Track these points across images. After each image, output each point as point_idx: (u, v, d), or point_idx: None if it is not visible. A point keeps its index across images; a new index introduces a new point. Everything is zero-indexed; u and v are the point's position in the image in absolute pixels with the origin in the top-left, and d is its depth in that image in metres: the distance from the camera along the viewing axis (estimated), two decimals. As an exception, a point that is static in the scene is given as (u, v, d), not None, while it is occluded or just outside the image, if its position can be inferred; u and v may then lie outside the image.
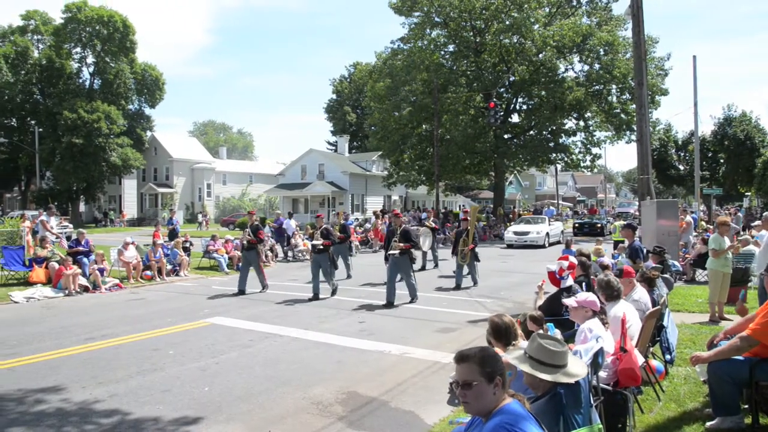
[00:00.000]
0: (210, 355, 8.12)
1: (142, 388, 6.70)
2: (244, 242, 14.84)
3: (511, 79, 38.57)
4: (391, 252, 12.52)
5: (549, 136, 39.38)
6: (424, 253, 18.57)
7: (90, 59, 55.87)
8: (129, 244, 16.57)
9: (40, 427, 5.58)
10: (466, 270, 15.05)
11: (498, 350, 5.40)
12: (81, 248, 15.81)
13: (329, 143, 72.73)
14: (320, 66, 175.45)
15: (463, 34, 39.00)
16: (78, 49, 55.05)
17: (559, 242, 28.49)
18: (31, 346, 8.73)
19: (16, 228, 17.80)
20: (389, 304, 12.05)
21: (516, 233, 28.39)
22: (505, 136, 40.41)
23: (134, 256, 16.44)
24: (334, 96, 73.64)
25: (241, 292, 13.82)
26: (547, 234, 28.51)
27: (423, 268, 18.30)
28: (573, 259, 8.01)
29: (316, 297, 12.92)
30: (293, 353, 8.35)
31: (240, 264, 15.38)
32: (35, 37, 57.00)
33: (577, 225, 36.24)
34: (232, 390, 6.62)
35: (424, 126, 40.90)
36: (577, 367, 3.28)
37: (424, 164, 40.87)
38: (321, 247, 13.22)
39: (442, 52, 40.86)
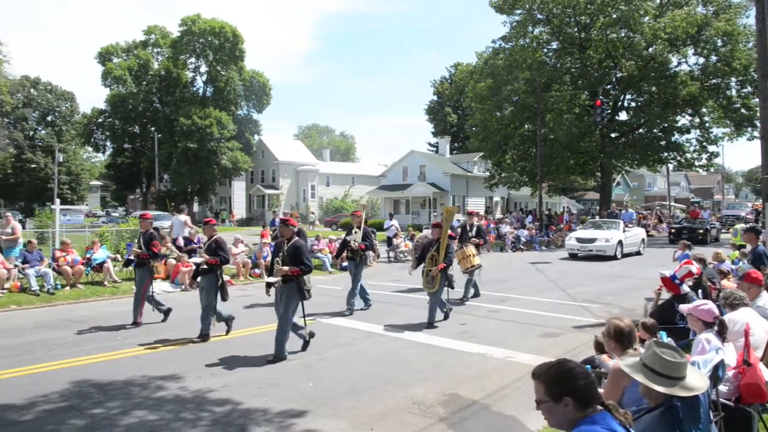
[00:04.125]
0: (314, 352, 8.38)
1: (252, 381, 7.03)
2: (131, 257, 11.80)
3: (618, 75, 36.97)
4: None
5: (660, 134, 37.37)
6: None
7: (203, 68, 59.21)
8: (239, 242, 17.40)
9: (160, 411, 5.99)
10: (476, 275, 12.98)
11: (605, 357, 5.25)
12: (194, 246, 16.76)
13: (430, 145, 72.83)
14: (421, 68, 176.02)
15: (567, 31, 37.85)
16: (192, 60, 58.53)
17: (638, 253, 24.09)
18: (151, 338, 9.36)
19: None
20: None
21: (579, 240, 23.32)
22: (612, 135, 38.78)
23: (244, 254, 17.24)
24: (435, 97, 73.69)
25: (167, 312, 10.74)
26: (620, 242, 22.87)
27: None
28: (693, 268, 7.54)
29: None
30: (394, 353, 8.46)
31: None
32: (155, 49, 61.02)
33: (673, 230, 30.95)
34: (335, 386, 6.81)
35: (526, 126, 40.04)
36: (696, 380, 3.03)
37: (526, 165, 40.01)
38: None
39: (545, 50, 39.82)
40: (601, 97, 31.90)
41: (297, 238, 8.40)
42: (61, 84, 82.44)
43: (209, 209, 62.26)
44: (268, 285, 8.45)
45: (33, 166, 68.45)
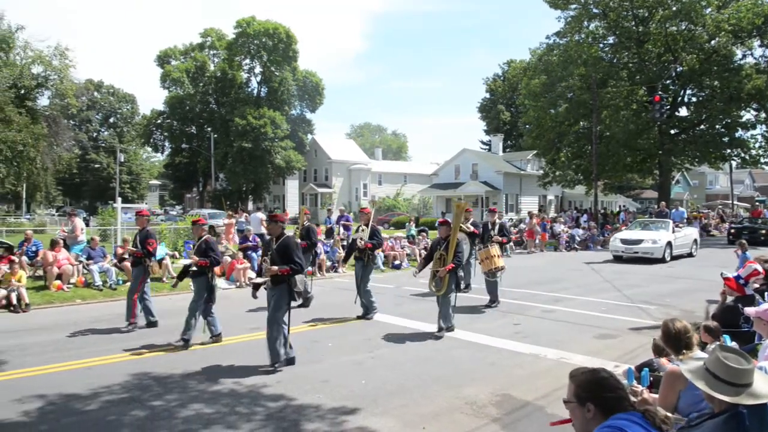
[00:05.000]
0: (366, 350, 8.42)
1: (304, 377, 7.12)
2: (126, 255, 11.93)
3: (678, 69, 35.79)
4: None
5: (722, 130, 36.00)
6: (466, 269, 13.89)
7: (257, 69, 60.37)
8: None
9: (216, 405, 6.14)
10: (498, 277, 12.02)
11: (663, 361, 5.10)
12: (250, 244, 17.09)
13: (483, 143, 72.27)
14: (473, 66, 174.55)
15: (624, 25, 36.86)
16: (247, 61, 59.76)
17: (690, 255, 22.42)
18: (206, 334, 9.57)
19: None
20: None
21: (624, 241, 21.59)
22: (672, 132, 37.57)
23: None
24: (488, 95, 73.03)
25: (153, 323, 10.17)
26: (669, 244, 21.02)
27: (467, 286, 13.78)
28: (758, 266, 7.26)
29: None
30: (445, 352, 8.42)
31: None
32: (211, 52, 62.54)
33: (733, 230, 28.43)
34: (386, 384, 6.83)
35: (581, 123, 39.24)
36: (765, 387, 2.80)
37: (581, 163, 39.23)
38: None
39: (601, 45, 38.92)
40: (659, 92, 30.86)
41: (287, 235, 7.87)
42: (123, 87, 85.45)
43: (263, 207, 63.38)
44: (255, 287, 8.02)
45: (96, 166, 71.24)
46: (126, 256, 11.71)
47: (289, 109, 60.42)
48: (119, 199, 20.42)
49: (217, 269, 9.93)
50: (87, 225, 15.39)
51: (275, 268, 7.43)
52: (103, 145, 74.05)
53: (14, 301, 11.72)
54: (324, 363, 7.80)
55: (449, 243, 9.52)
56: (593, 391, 2.62)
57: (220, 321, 9.08)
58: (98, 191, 71.09)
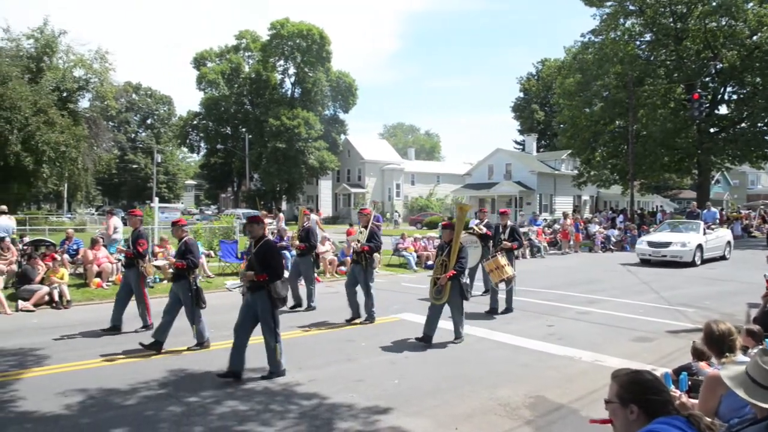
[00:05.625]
0: (399, 350, 8.43)
1: (338, 376, 7.16)
2: (120, 256, 11.96)
3: (718, 66, 34.93)
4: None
5: (765, 128, 35.07)
6: (472, 273, 12.75)
7: (291, 70, 60.92)
8: (326, 240, 17.77)
9: (250, 402, 6.22)
10: (503, 287, 11.41)
11: (703, 365, 5.00)
12: (282, 243, 17.23)
13: (516, 142, 71.68)
14: (507, 65, 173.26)
15: (662, 21, 36.16)
16: (281, 62, 60.38)
17: (722, 257, 21.34)
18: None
19: (230, 224, 19.87)
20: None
21: (651, 244, 20.55)
22: (711, 130, 36.73)
23: (330, 252, 17.59)
24: (522, 94, 72.43)
25: (114, 328, 9.62)
26: (699, 247, 19.81)
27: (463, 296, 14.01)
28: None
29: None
30: (479, 353, 8.39)
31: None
32: (246, 53, 63.37)
33: None
34: (420, 385, 6.82)
35: (617, 122, 38.65)
36: None
37: (617, 162, 38.63)
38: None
39: (638, 42, 38.26)
40: (698, 90, 30.25)
41: (268, 238, 7.53)
42: (160, 89, 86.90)
43: (297, 207, 63.87)
44: (243, 294, 7.49)
45: (134, 166, 72.78)
46: (120, 257, 11.76)
47: (323, 110, 60.83)
48: (156, 199, 20.84)
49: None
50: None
51: (251, 273, 7.03)
52: (141, 145, 75.62)
53: (56, 298, 12.04)
54: (357, 362, 7.84)
55: (451, 248, 8.85)
56: (637, 392, 2.57)
57: (208, 326, 8.71)
58: (136, 191, 72.64)
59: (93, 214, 47.86)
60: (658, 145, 34.86)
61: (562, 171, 50.27)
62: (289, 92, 61.82)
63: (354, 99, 62.95)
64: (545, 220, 34.76)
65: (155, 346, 8.24)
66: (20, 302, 11.65)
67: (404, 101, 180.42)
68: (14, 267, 12.92)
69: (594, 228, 27.69)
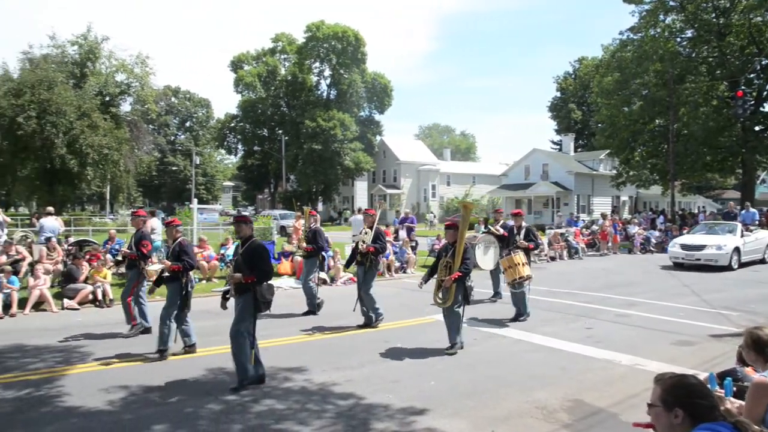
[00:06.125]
0: (435, 351, 8.41)
1: (374, 377, 7.19)
2: (120, 258, 12.00)
3: (763, 62, 33.96)
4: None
5: (814, 125, 34.02)
6: (495, 276, 13.10)
7: (327, 72, 61.37)
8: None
9: (287, 401, 6.28)
10: (527, 286, 10.74)
11: (749, 370, 4.87)
12: (320, 244, 17.36)
13: (553, 142, 70.92)
14: (543, 64, 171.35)
15: (704, 17, 35.26)
16: (317, 64, 60.85)
17: (762, 261, 20.06)
18: (279, 330, 9.82)
19: (268, 225, 20.10)
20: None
21: (684, 247, 19.44)
22: (756, 128, 35.68)
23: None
24: (558, 94, 71.56)
25: (134, 327, 9.63)
26: (737, 250, 18.72)
27: (496, 294, 13.21)
28: None
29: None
30: (516, 355, 8.32)
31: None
32: (282, 56, 64.06)
33: None
34: (456, 386, 6.80)
35: (657, 121, 37.85)
36: None
37: (657, 162, 37.83)
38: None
39: (678, 39, 37.38)
40: (742, 87, 29.37)
41: (255, 238, 7.19)
42: (198, 92, 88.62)
43: (333, 208, 64.31)
44: (224, 296, 7.30)
45: (174, 168, 74.16)
46: (120, 258, 11.82)
47: (358, 111, 61.07)
48: (195, 200, 21.20)
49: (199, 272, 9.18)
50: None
51: (238, 275, 6.80)
52: (180, 148, 77.01)
53: (99, 297, 12.36)
54: (393, 363, 7.85)
55: (456, 249, 8.41)
56: (682, 396, 2.52)
57: (195, 331, 8.47)
58: (175, 192, 74.02)
59: (134, 215, 48.86)
60: (700, 144, 34.03)
61: (600, 171, 49.49)
62: (324, 94, 62.27)
63: (389, 100, 63.03)
64: (583, 221, 34.29)
65: (189, 349, 8.23)
66: (65, 300, 12.01)
67: (440, 102, 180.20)
68: (60, 267, 13.30)
69: (633, 229, 27.19)
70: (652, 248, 25.54)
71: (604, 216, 27.63)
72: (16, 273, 12.36)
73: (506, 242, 11.50)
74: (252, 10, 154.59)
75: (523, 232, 11.35)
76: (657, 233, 27.23)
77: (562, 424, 5.66)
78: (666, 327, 10.08)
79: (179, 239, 8.53)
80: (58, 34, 41.62)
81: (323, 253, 12.50)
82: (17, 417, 5.82)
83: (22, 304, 11.50)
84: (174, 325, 8.15)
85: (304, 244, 11.71)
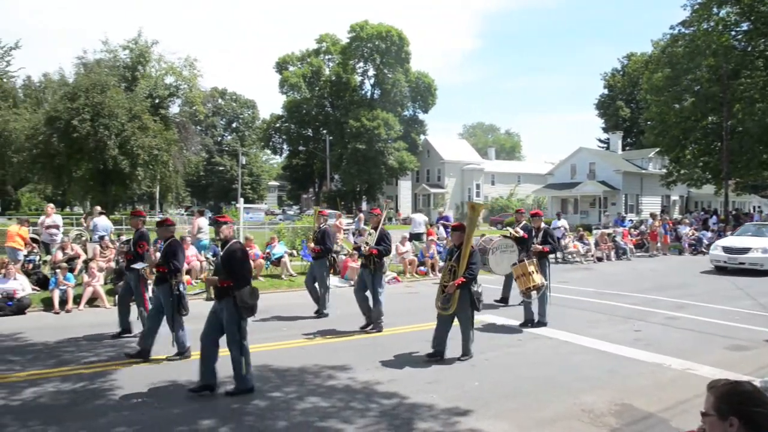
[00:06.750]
0: (479, 351, 8.34)
1: (418, 376, 7.17)
2: (119, 258, 11.87)
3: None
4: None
5: None
6: (507, 281, 12.43)
7: (371, 72, 61.61)
8: (406, 240, 17.86)
9: (331, 399, 6.33)
10: (535, 295, 10.11)
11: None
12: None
13: (600, 141, 69.53)
14: (589, 61, 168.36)
15: (761, 9, 33.95)
16: (361, 64, 61.20)
17: None
18: (321, 329, 9.89)
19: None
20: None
21: (727, 250, 18.19)
22: (817, 125, 34.31)
23: (410, 252, 17.66)
24: (606, 91, 70.05)
25: (125, 330, 9.41)
26: None
27: (504, 300, 12.47)
28: None
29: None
30: (563, 357, 8.19)
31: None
32: (326, 56, 64.59)
33: None
34: (500, 387, 6.74)
35: (710, 118, 36.71)
36: None
37: (709, 161, 36.70)
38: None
39: (733, 33, 36.12)
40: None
41: (235, 241, 6.81)
42: (244, 93, 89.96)
43: (421, 209, 64.59)
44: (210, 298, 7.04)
45: (220, 168, 75.53)
46: (119, 258, 11.70)
47: (402, 111, 61.12)
48: (241, 200, 21.58)
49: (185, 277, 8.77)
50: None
51: (215, 278, 6.63)
52: (227, 148, 78.38)
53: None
54: (437, 363, 7.80)
55: (461, 252, 7.88)
56: (737, 404, 2.38)
57: (189, 335, 7.98)
58: (222, 192, 75.40)
59: (182, 215, 50.03)
60: (755, 141, 32.86)
61: (649, 170, 48.28)
62: (368, 94, 62.54)
63: (433, 99, 62.88)
64: (631, 221, 33.54)
65: (141, 355, 7.82)
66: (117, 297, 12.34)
67: (484, 100, 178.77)
68: (113, 264, 13.70)
69: (684, 229, 26.45)
70: (704, 249, 24.79)
71: (653, 216, 26.96)
72: (71, 270, 12.78)
73: (526, 245, 10.92)
74: (296, 11, 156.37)
75: (541, 234, 10.67)
76: (709, 234, 26.43)
77: (610, 429, 5.54)
78: (719, 331, 9.77)
79: (170, 240, 8.21)
80: (110, 39, 42.83)
81: (333, 254, 11.99)
82: (73, 409, 6.03)
83: (77, 300, 11.91)
84: (181, 324, 7.98)
85: (312, 245, 11.17)
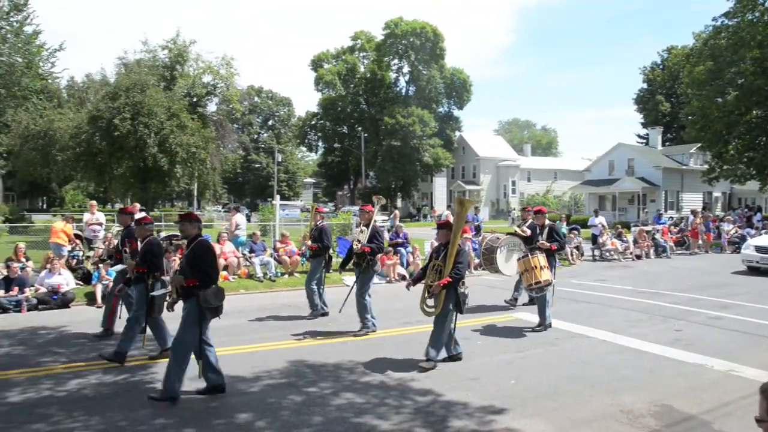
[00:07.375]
0: (516, 350, 8.29)
1: (453, 374, 7.15)
2: (104, 256, 11.78)
3: None
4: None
5: None
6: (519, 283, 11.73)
7: (405, 69, 61.54)
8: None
9: (366, 395, 6.35)
10: (550, 293, 9.69)
11: None
12: (399, 240, 17.49)
13: (639, 136, 68.17)
14: (627, 56, 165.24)
15: (810, -1, 32.95)
16: (395, 61, 61.11)
17: None
18: (353, 328, 9.75)
19: (348, 221, 20.38)
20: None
21: (760, 249, 17.23)
22: None
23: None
24: (645, 85, 68.57)
25: (106, 331, 9.19)
26: None
27: (514, 300, 12.02)
28: None
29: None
30: (601, 356, 8.06)
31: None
32: (361, 54, 64.68)
33: None
34: (537, 386, 6.68)
35: (754, 112, 35.62)
36: None
37: (754, 156, 35.63)
38: None
39: (780, 24, 35.12)
40: None
41: (202, 239, 6.47)
42: (280, 91, 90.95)
43: (411, 204, 64.47)
44: (171, 300, 6.79)
45: (257, 165, 76.37)
46: (104, 257, 11.61)
47: (437, 107, 60.84)
48: (277, 197, 21.75)
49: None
50: (249, 221, 16.64)
51: (181, 278, 6.28)
52: (263, 146, 79.19)
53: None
54: (473, 360, 7.78)
55: (448, 251, 7.50)
56: None
57: (169, 334, 7.64)
58: (258, 189, 76.26)
59: (220, 211, 50.80)
60: (802, 136, 31.88)
61: (690, 166, 47.16)
62: (403, 90, 62.48)
63: (468, 95, 62.45)
64: (671, 218, 32.83)
65: (117, 359, 7.49)
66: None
67: (519, 96, 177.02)
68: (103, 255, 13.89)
69: (727, 227, 25.77)
70: (748, 247, 24.12)
71: (694, 213, 26.33)
72: (113, 265, 13.04)
73: (527, 243, 10.56)
74: (331, 9, 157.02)
75: (546, 231, 10.24)
76: (753, 231, 25.70)
77: (650, 430, 5.44)
78: (764, 331, 9.51)
79: (148, 238, 7.95)
80: (150, 39, 43.69)
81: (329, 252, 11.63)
82: (115, 400, 6.18)
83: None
84: (163, 323, 7.83)
85: (309, 242, 10.91)
